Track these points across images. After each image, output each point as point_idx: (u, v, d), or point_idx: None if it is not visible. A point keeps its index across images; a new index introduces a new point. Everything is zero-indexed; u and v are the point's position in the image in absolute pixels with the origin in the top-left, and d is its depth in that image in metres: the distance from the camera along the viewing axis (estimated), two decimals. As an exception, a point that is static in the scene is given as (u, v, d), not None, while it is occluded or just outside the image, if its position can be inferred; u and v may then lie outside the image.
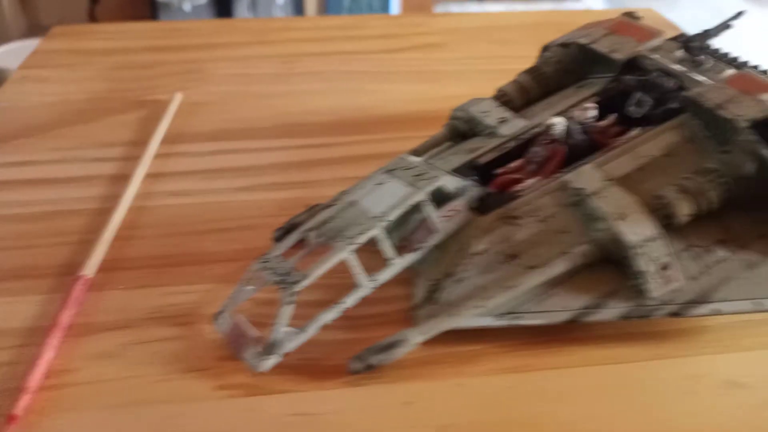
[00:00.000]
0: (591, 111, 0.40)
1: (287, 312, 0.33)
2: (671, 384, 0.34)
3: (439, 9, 2.59)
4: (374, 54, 0.66)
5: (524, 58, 0.49)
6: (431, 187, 0.36)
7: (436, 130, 0.45)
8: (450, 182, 0.37)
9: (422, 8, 2.54)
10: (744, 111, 0.36)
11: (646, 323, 0.36)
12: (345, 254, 0.34)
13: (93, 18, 2.21)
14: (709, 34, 0.44)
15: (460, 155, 0.42)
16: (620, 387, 0.34)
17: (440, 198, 0.37)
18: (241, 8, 2.16)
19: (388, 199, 0.36)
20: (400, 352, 0.33)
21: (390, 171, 0.38)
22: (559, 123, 0.39)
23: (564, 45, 0.46)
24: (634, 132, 0.40)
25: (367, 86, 0.60)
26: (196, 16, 2.17)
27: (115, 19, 2.21)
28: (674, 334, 0.36)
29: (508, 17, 0.75)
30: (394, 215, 0.35)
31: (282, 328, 0.33)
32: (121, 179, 0.47)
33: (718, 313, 0.35)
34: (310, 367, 0.34)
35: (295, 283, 0.33)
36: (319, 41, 0.69)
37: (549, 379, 0.34)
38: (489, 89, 0.47)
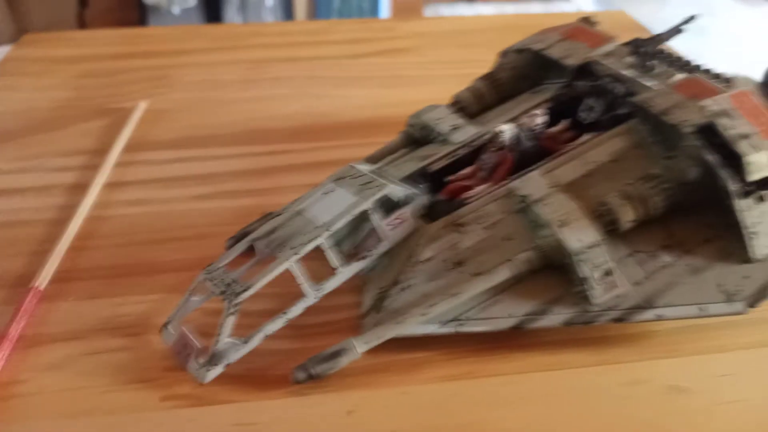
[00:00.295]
0: (539, 117, 0.41)
1: (230, 323, 0.33)
2: (614, 389, 0.34)
3: (429, 10, 2.60)
4: (340, 59, 0.66)
5: (490, 62, 0.49)
6: (377, 196, 0.36)
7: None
8: (396, 191, 0.37)
9: (411, 10, 2.54)
10: (689, 116, 0.36)
11: (591, 329, 0.36)
12: (289, 264, 0.34)
13: (82, 22, 2.20)
14: (659, 38, 0.44)
15: (412, 162, 0.42)
16: (563, 393, 0.34)
17: (388, 206, 0.37)
18: (230, 11, 2.16)
19: (334, 208, 0.36)
20: (343, 361, 0.34)
21: (338, 180, 0.38)
22: (507, 130, 0.39)
23: (519, 51, 0.47)
24: (584, 138, 0.40)
25: (332, 92, 0.60)
26: (185, 20, 2.17)
27: (104, 23, 2.20)
28: (619, 339, 0.36)
29: (475, 21, 0.75)
30: (338, 224, 0.35)
31: (225, 339, 0.33)
32: (80, 189, 0.47)
33: (662, 318, 0.35)
34: (256, 378, 0.34)
35: (238, 294, 0.33)
36: (287, 47, 0.69)
37: (493, 385, 0.34)
38: (453, 93, 0.47)
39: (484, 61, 0.50)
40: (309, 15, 2.21)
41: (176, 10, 2.14)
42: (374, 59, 0.66)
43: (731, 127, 0.35)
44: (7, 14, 2.14)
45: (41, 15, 2.21)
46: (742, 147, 0.34)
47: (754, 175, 0.34)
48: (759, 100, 0.37)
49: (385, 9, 2.26)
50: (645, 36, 0.46)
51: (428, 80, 0.62)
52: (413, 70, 0.64)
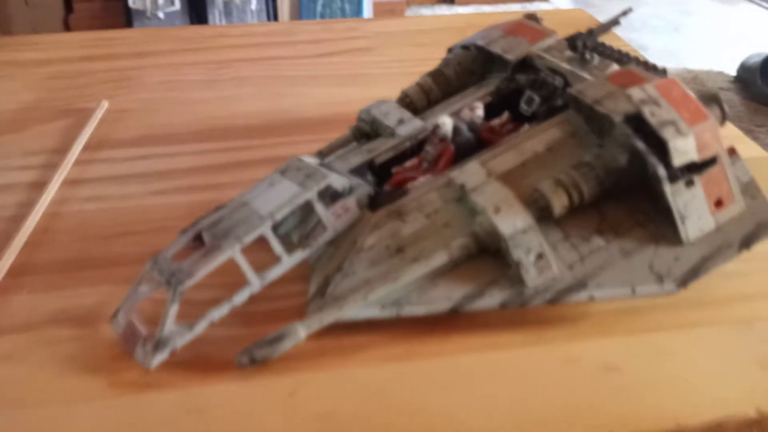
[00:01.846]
0: (478, 110, 0.42)
1: (174, 310, 0.34)
2: (548, 368, 0.35)
3: (410, 12, 2.62)
4: (302, 59, 0.67)
5: (447, 59, 0.50)
6: (319, 186, 0.37)
7: (352, 132, 0.46)
8: (339, 181, 0.38)
9: (394, 12, 2.57)
10: (618, 105, 0.38)
11: (528, 311, 0.37)
12: (233, 252, 0.35)
13: (67, 27, 2.21)
14: (595, 32, 0.46)
15: (359, 155, 0.43)
16: (500, 372, 0.35)
17: (332, 196, 0.38)
18: (214, 15, 2.17)
19: (278, 198, 0.37)
20: (285, 346, 0.35)
21: (282, 172, 0.39)
22: (447, 122, 0.40)
23: (464, 47, 0.48)
24: (523, 129, 0.42)
25: (292, 90, 0.62)
26: (170, 23, 2.18)
27: (90, 27, 2.21)
28: (555, 320, 0.38)
29: (434, 20, 0.76)
30: (281, 214, 0.36)
31: (170, 326, 0.34)
32: (39, 187, 0.48)
33: (595, 299, 0.37)
34: (202, 364, 0.35)
35: (181, 282, 0.34)
36: (250, 47, 0.70)
37: (432, 366, 0.35)
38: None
39: (440, 59, 0.51)
40: (293, 17, 2.23)
41: (161, 14, 2.16)
42: (335, 58, 0.67)
43: (656, 115, 0.36)
44: (-9, 21, 2.14)
45: (26, 21, 2.22)
46: (667, 133, 0.36)
47: (679, 160, 0.36)
48: (687, 89, 0.38)
49: (367, 12, 2.28)
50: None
51: (387, 78, 0.64)
52: (372, 69, 0.65)
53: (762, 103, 2.05)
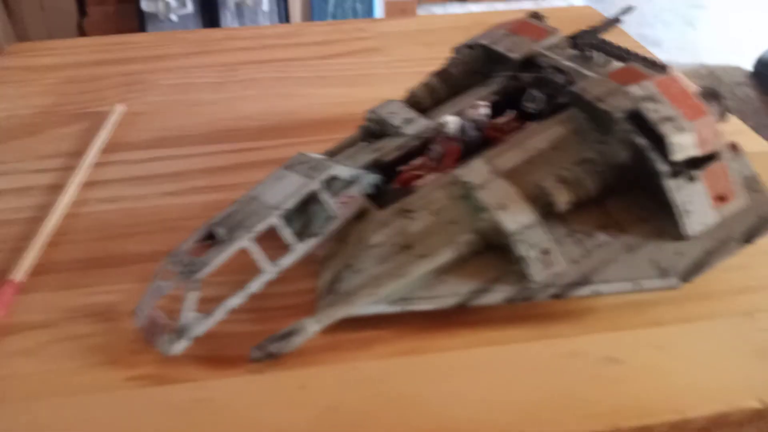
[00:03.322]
0: (483, 109, 0.43)
1: (191, 298, 0.36)
2: (553, 361, 0.36)
3: (421, 10, 2.62)
4: (311, 60, 0.68)
5: (454, 58, 0.51)
6: (324, 176, 0.38)
7: (360, 132, 0.47)
8: (343, 171, 0.39)
9: (405, 11, 2.57)
10: (619, 102, 0.39)
11: (534, 305, 0.38)
12: (245, 243, 0.36)
13: (82, 30, 2.23)
14: (597, 30, 0.46)
15: (367, 154, 0.44)
16: (505, 365, 0.36)
17: (337, 187, 0.40)
18: (227, 17, 2.19)
19: (284, 190, 0.38)
20: (298, 341, 0.36)
21: (288, 167, 0.40)
22: (451, 121, 0.41)
23: (470, 47, 0.49)
24: (527, 126, 0.43)
25: (300, 91, 0.63)
26: (183, 26, 2.20)
27: (103, 32, 2.23)
28: (560, 315, 0.39)
29: (441, 20, 0.77)
30: (289, 204, 0.38)
31: (189, 314, 0.36)
32: (58, 189, 0.50)
33: (599, 293, 0.37)
34: (217, 358, 0.36)
35: (196, 271, 0.36)
36: (259, 49, 0.71)
37: (440, 360, 0.36)
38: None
39: (447, 59, 0.52)
40: (304, 18, 2.24)
41: (174, 17, 2.18)
42: (342, 59, 0.68)
43: (656, 111, 0.37)
44: (7, 25, 2.17)
45: (41, 25, 2.24)
46: (665, 129, 0.36)
47: (678, 155, 0.36)
48: (687, 85, 0.39)
49: (379, 11, 2.29)
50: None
51: (394, 78, 0.64)
52: (380, 69, 0.66)
53: (779, 97, 2.03)
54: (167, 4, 2.16)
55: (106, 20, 2.26)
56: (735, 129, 0.56)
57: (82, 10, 2.23)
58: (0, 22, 2.13)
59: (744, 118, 1.94)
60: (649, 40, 2.36)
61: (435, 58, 0.57)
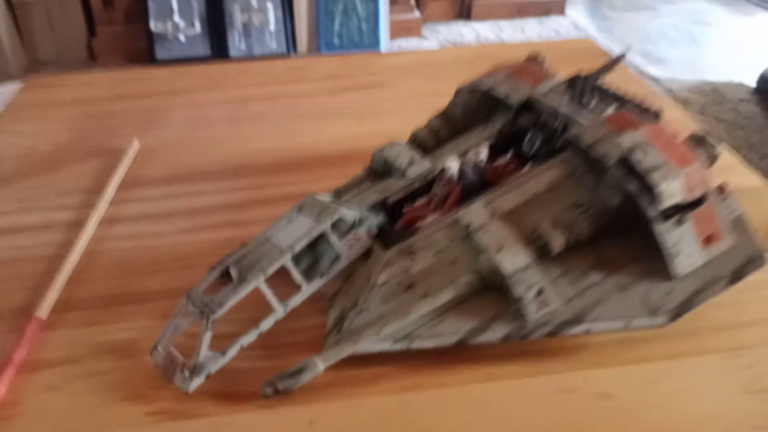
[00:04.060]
0: (482, 153, 0.45)
1: (208, 337, 0.38)
2: (548, 397, 0.38)
3: (426, 29, 2.66)
4: (319, 95, 0.71)
5: (453, 93, 0.53)
6: (331, 220, 0.41)
7: (366, 168, 0.50)
8: (349, 214, 0.42)
9: (411, 30, 2.61)
10: (611, 150, 0.41)
11: (530, 343, 0.40)
12: (258, 283, 0.39)
13: (91, 51, 2.28)
14: (593, 77, 0.49)
15: (373, 194, 0.46)
16: (503, 401, 0.38)
17: (344, 229, 0.42)
18: (234, 37, 2.23)
19: (295, 233, 0.41)
20: (306, 377, 0.38)
21: (299, 209, 0.42)
22: (452, 166, 0.44)
23: (470, 90, 0.51)
24: (525, 169, 0.45)
25: (308, 127, 0.65)
26: (191, 46, 2.25)
27: (112, 52, 2.28)
28: (556, 351, 0.41)
29: (447, 53, 0.80)
30: (299, 245, 0.40)
31: (204, 352, 0.38)
32: (78, 225, 0.52)
33: (591, 331, 0.39)
34: (231, 393, 0.39)
35: (213, 311, 0.38)
36: (269, 84, 0.74)
37: (441, 395, 0.38)
38: (421, 125, 0.51)
39: (448, 94, 0.55)
40: (310, 38, 2.28)
41: (182, 37, 2.22)
42: (349, 94, 0.71)
43: (645, 160, 0.39)
44: (18, 46, 2.22)
45: (51, 46, 2.29)
46: (653, 178, 0.38)
47: (666, 203, 0.39)
48: (675, 133, 0.41)
49: (384, 30, 2.32)
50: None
51: (398, 112, 0.67)
52: (385, 104, 0.69)
53: (782, 114, 2.04)
54: (176, 25, 2.21)
55: (115, 40, 2.31)
56: (726, 164, 0.58)
57: (91, 30, 2.28)
58: (10, 42, 2.17)
59: (748, 134, 1.95)
60: (653, 58, 2.38)
61: (438, 93, 0.59)
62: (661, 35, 2.73)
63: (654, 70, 2.29)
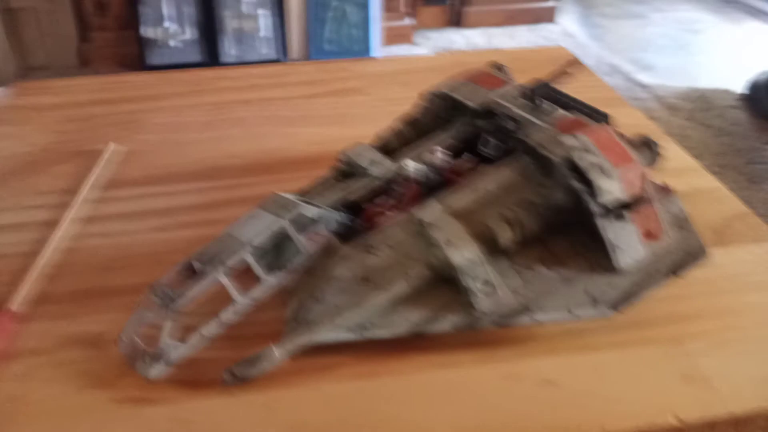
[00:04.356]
0: (439, 153, 0.47)
1: (168, 326, 0.40)
2: (495, 384, 0.40)
3: (418, 36, 2.69)
4: (295, 99, 0.73)
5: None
6: (291, 215, 0.43)
7: (335, 170, 0.52)
8: (309, 210, 0.44)
9: (403, 36, 2.64)
10: (558, 150, 0.43)
11: (482, 332, 0.42)
12: (219, 275, 0.41)
13: (82, 57, 2.29)
14: (550, 81, 0.51)
15: (336, 192, 0.48)
16: (452, 386, 0.40)
17: (305, 224, 0.44)
18: (226, 43, 2.25)
19: (255, 227, 0.43)
20: (265, 366, 0.40)
21: (262, 206, 0.44)
22: (409, 165, 0.46)
23: (434, 94, 0.53)
24: (480, 168, 0.47)
25: (283, 130, 0.67)
26: (184, 52, 2.27)
27: (104, 57, 2.30)
28: (505, 340, 0.43)
29: (419, 61, 0.82)
30: (259, 239, 0.42)
31: (165, 340, 0.40)
32: (53, 224, 0.54)
33: (537, 321, 0.41)
34: (195, 381, 0.41)
35: (173, 302, 0.40)
36: (246, 89, 0.76)
37: (394, 383, 0.40)
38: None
39: (414, 104, 0.57)
40: (301, 43, 2.30)
41: (172, 43, 2.24)
42: (325, 99, 0.73)
43: (587, 159, 0.41)
44: (8, 52, 2.24)
45: (42, 52, 2.31)
46: (593, 175, 0.41)
47: (605, 198, 0.41)
48: (615, 134, 0.43)
49: (376, 37, 2.35)
50: (580, 68, 0.52)
51: (372, 117, 0.69)
52: (359, 108, 0.71)
53: (769, 120, 2.07)
54: (167, 31, 2.23)
55: (107, 46, 2.32)
56: (685, 166, 0.61)
57: (82, 36, 2.29)
58: (1, 48, 2.19)
59: (734, 140, 1.98)
60: (642, 65, 2.41)
61: (410, 97, 0.61)
62: (651, 43, 2.77)
63: (643, 77, 2.32)
